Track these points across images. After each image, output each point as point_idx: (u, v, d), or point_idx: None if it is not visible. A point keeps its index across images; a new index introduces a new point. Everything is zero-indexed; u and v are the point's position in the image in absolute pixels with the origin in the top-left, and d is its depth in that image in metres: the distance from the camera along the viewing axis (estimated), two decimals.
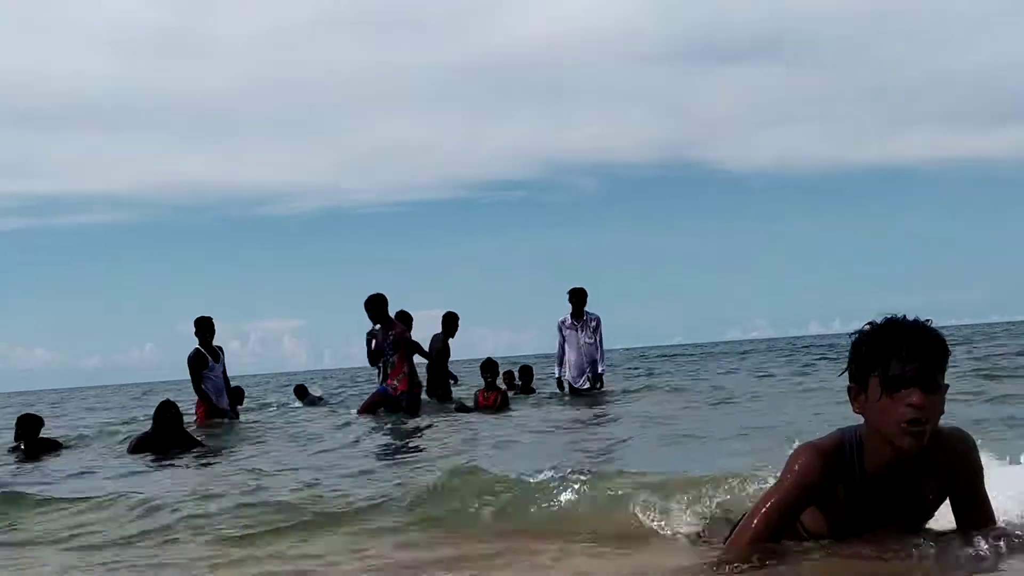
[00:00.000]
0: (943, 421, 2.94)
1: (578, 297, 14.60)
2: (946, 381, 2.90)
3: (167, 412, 10.15)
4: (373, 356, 13.21)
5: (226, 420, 12.83)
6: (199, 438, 10.53)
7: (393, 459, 8.41)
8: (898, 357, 2.82)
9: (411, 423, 11.55)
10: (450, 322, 14.86)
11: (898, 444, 2.88)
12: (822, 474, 2.99)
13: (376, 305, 12.98)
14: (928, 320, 2.93)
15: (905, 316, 2.92)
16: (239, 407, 14.57)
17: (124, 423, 14.96)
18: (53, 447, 11.27)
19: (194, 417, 12.85)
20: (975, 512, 3.12)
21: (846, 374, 2.99)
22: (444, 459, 7.28)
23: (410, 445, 9.60)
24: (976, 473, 3.09)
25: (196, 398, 12.85)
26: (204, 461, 8.94)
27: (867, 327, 2.94)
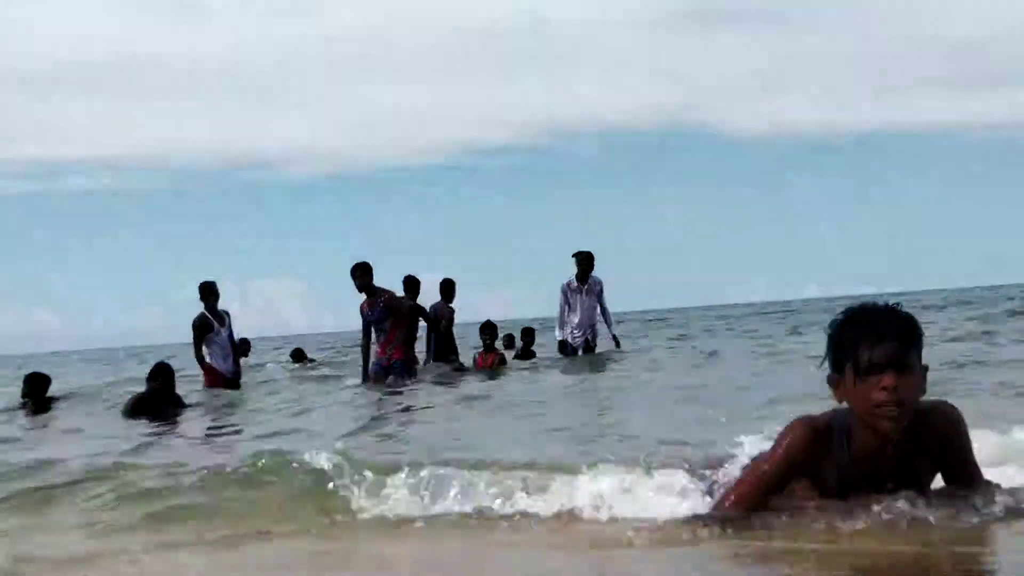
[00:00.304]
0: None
1: (587, 261, 14.54)
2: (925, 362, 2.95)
3: (162, 374, 10.28)
4: (365, 333, 12.65)
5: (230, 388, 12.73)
6: (187, 402, 10.72)
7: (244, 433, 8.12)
8: (868, 342, 2.86)
9: (376, 393, 11.22)
10: (448, 289, 14.67)
11: (877, 428, 2.92)
12: (810, 450, 3.04)
13: (358, 273, 12.42)
14: (898, 304, 2.98)
15: (876, 302, 2.97)
16: (244, 359, 14.91)
17: (107, 385, 15.22)
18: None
19: (200, 377, 12.89)
20: (966, 483, 3.16)
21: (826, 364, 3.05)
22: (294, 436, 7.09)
23: (309, 418, 9.19)
24: (964, 446, 3.12)
25: (207, 360, 12.70)
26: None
27: (840, 316, 2.99)
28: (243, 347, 16.21)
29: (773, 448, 3.13)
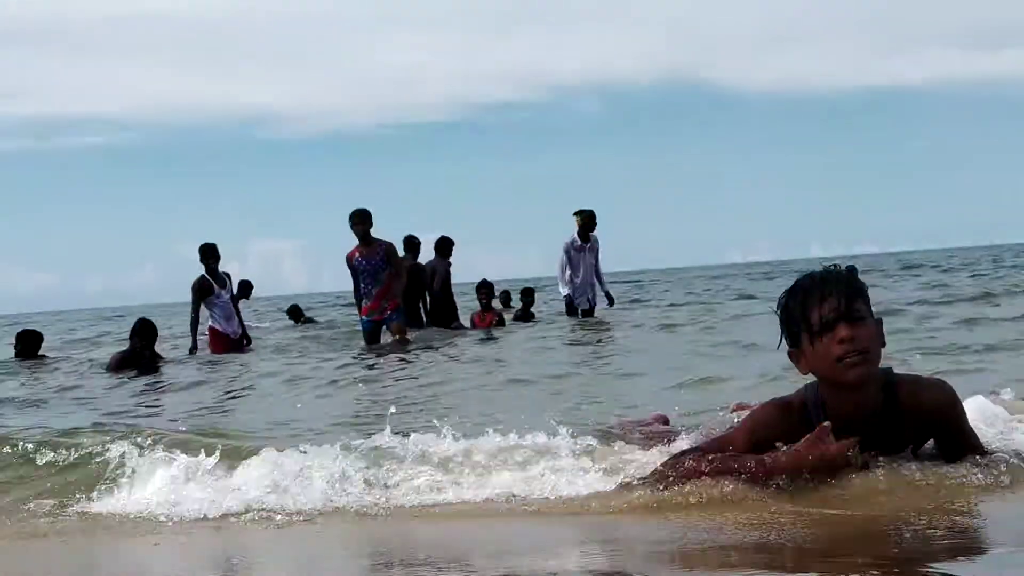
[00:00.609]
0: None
1: (590, 219, 14.39)
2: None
3: (145, 331, 10.83)
4: (358, 284, 11.99)
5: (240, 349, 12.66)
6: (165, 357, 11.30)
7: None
8: (814, 304, 2.95)
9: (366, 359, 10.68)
10: (444, 247, 14.47)
11: (846, 380, 2.94)
12: (776, 427, 3.09)
13: (357, 219, 11.82)
14: (835, 264, 3.10)
15: (813, 270, 3.07)
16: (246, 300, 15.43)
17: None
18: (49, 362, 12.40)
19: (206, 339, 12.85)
20: (962, 450, 3.15)
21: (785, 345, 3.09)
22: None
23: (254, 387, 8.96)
24: (957, 423, 3.14)
25: (210, 324, 12.62)
26: None
27: (783, 293, 3.07)
28: (245, 290, 16.35)
29: (740, 423, 3.25)
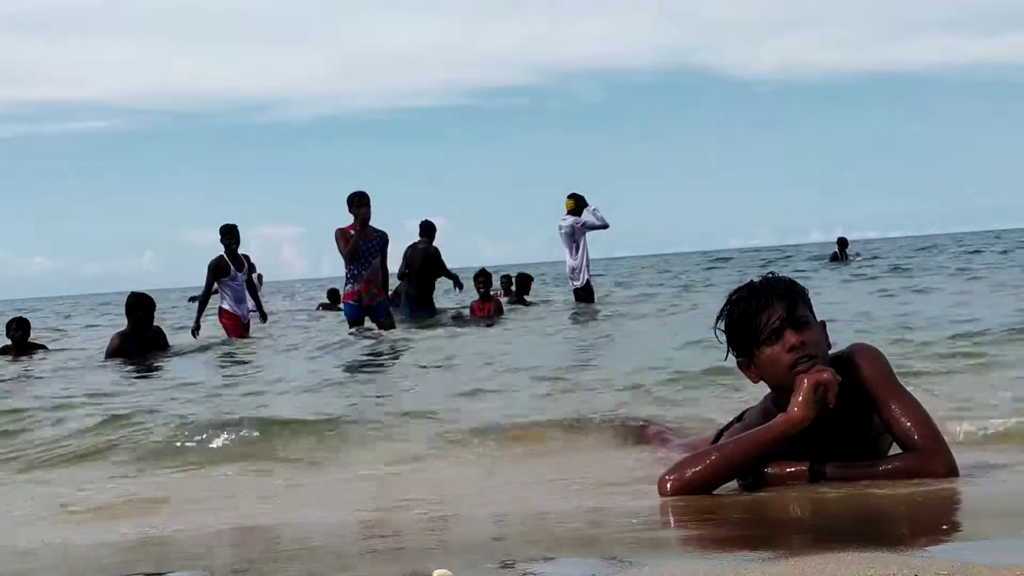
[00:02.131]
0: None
1: (580, 203, 14.44)
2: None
3: (141, 307, 10.05)
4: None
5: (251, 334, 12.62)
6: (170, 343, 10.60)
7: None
8: (759, 314, 2.94)
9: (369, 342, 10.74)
10: (428, 230, 14.48)
11: (790, 384, 2.91)
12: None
13: (356, 201, 11.50)
14: (771, 272, 3.11)
15: (751, 280, 3.06)
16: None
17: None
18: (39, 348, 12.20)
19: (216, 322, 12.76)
20: (904, 419, 2.95)
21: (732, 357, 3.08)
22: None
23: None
24: (886, 379, 3.00)
25: (221, 305, 12.43)
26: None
27: (724, 306, 3.06)
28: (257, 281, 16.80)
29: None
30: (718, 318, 3.07)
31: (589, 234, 14.44)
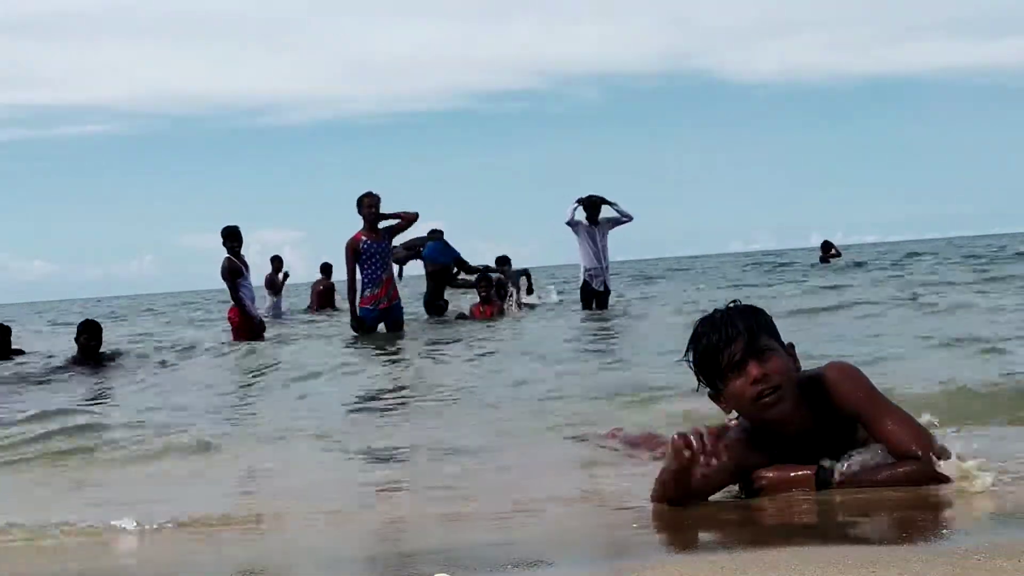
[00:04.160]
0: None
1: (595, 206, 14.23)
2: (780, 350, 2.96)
3: (88, 333, 10.31)
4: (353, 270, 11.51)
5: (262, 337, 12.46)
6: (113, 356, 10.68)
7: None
8: (719, 350, 2.92)
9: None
10: (438, 238, 14.82)
11: (768, 419, 2.92)
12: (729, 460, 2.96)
13: (367, 202, 11.35)
14: (734, 301, 3.07)
15: (712, 311, 3.02)
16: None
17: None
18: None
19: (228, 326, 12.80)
20: (899, 431, 2.93)
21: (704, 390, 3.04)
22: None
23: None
24: (871, 394, 2.98)
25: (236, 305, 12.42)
26: None
27: (689, 342, 3.02)
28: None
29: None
30: (685, 351, 3.03)
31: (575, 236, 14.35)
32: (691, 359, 3.02)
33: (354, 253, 11.33)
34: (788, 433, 2.96)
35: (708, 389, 3.03)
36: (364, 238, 11.33)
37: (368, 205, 11.27)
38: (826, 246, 30.62)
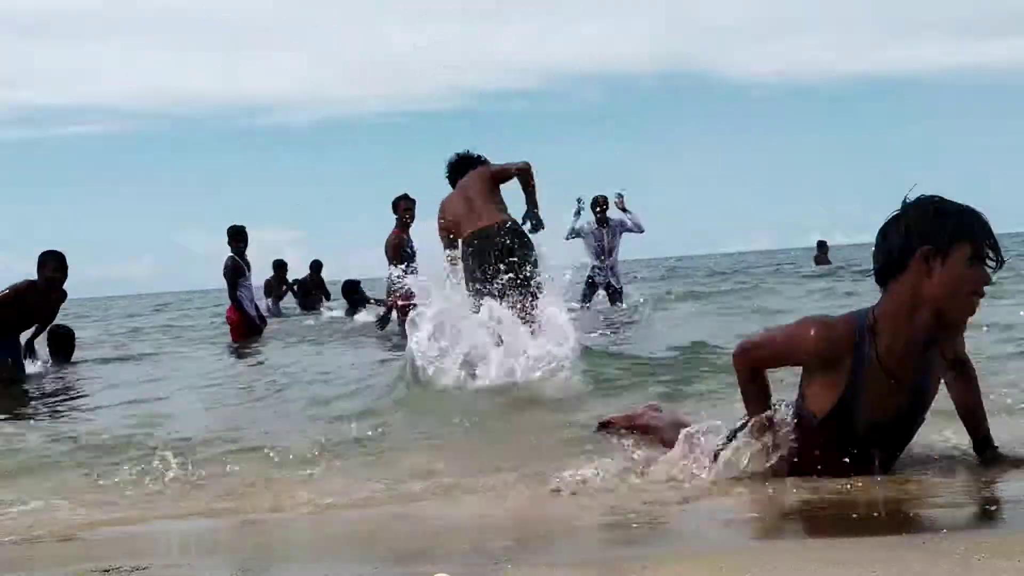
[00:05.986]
0: None
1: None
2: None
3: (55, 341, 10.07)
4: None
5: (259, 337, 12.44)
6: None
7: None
8: (989, 240, 2.98)
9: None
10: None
11: (961, 311, 3.01)
12: (817, 345, 3.02)
13: (403, 205, 11.27)
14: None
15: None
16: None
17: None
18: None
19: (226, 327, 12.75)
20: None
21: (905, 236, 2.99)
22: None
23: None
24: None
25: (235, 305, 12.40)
26: None
27: (936, 199, 3.01)
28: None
29: (781, 332, 3.24)
30: (924, 202, 3.01)
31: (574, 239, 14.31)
32: (949, 215, 2.98)
33: (396, 250, 10.93)
34: (908, 338, 3.00)
35: (929, 244, 2.95)
36: (406, 236, 11.20)
37: (404, 208, 11.28)
38: (822, 246, 30.45)
